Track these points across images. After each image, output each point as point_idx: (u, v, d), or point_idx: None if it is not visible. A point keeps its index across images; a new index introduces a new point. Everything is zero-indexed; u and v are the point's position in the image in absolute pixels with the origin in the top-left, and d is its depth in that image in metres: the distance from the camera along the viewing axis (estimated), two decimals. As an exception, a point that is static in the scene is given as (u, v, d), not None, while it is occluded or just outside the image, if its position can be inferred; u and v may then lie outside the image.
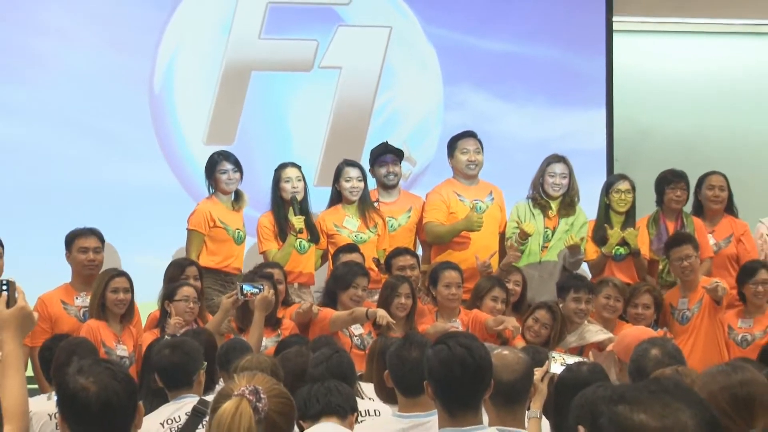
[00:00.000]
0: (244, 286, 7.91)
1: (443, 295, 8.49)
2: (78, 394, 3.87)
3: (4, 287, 3.99)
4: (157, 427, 5.77)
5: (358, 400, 5.93)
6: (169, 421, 5.76)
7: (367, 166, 9.43)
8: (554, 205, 9.37)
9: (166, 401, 6.01)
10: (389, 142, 9.55)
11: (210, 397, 4.89)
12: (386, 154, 9.43)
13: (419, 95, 10.78)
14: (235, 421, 3.41)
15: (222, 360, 6.35)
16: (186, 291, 8.07)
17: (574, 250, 9.19)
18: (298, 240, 8.98)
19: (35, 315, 3.99)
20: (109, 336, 7.96)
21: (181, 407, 5.74)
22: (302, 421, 5.20)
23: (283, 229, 9.02)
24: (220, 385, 6.08)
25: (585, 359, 6.32)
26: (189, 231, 9.06)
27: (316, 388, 5.26)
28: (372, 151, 9.59)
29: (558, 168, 9.39)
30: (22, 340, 3.90)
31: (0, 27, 10.02)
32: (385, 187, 9.44)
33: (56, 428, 5.75)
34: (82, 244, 8.51)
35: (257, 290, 7.83)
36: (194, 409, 5.45)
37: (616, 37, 10.93)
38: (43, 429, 6.32)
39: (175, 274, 8.41)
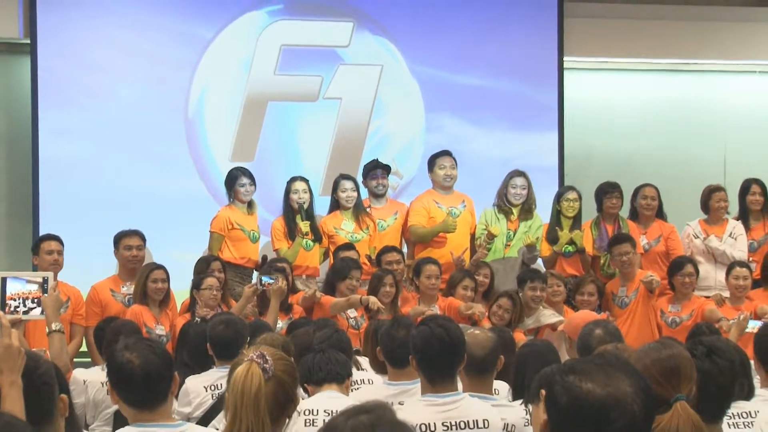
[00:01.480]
0: (263, 278, 7.95)
1: (425, 285, 8.51)
2: (124, 366, 3.89)
3: None
4: (201, 389, 5.79)
5: (356, 371, 5.97)
6: (212, 387, 5.76)
7: (360, 179, 9.43)
8: (515, 211, 9.34)
9: (194, 373, 6.03)
10: (379, 159, 9.52)
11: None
12: (376, 169, 9.40)
13: (405, 121, 10.75)
14: (248, 381, 3.40)
15: (252, 333, 6.35)
16: (210, 281, 8.06)
17: (531, 248, 9.21)
18: (305, 240, 8.97)
19: (22, 348, 3.50)
20: (150, 318, 7.97)
21: (224, 376, 5.65)
22: (307, 385, 5.22)
23: (292, 231, 9.00)
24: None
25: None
26: (211, 233, 9.03)
27: (319, 357, 5.27)
28: (364, 166, 9.58)
29: (519, 181, 9.38)
30: (15, 377, 3.43)
31: (60, 64, 9.96)
32: (375, 195, 9.40)
33: (107, 394, 5.77)
34: (128, 242, 8.51)
35: (273, 281, 7.89)
36: (231, 377, 5.47)
37: (566, 74, 10.93)
38: (96, 395, 6.31)
39: (202, 267, 8.38)
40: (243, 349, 5.95)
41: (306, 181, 9.21)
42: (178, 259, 8.87)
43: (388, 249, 8.93)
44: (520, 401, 5.18)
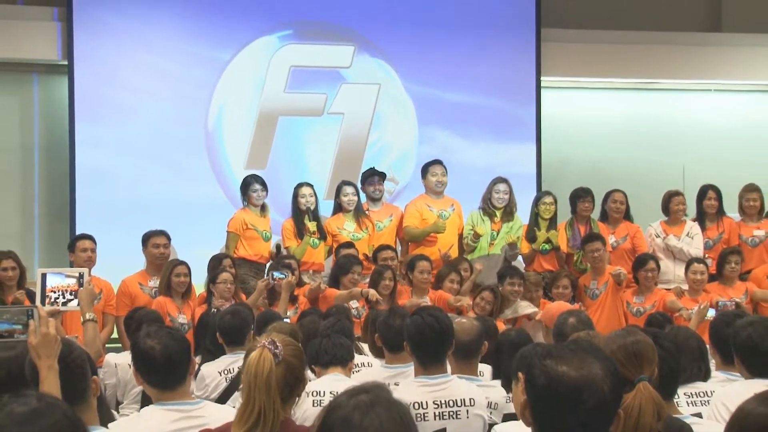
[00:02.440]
0: (274, 273, 7.96)
1: (417, 279, 8.50)
2: (147, 351, 3.90)
3: (31, 316, 3.64)
4: (216, 374, 5.78)
5: (357, 355, 5.97)
6: (226, 371, 5.75)
7: (360, 185, 9.43)
8: (498, 213, 9.32)
9: (216, 358, 6.03)
10: (376, 168, 9.52)
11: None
12: (373, 176, 9.40)
13: (400, 133, 10.75)
14: (260, 365, 3.38)
15: (259, 326, 6.37)
16: (224, 276, 8.05)
17: (512, 246, 9.21)
18: (312, 239, 8.98)
19: (58, 336, 3.55)
20: (173, 308, 7.96)
21: (235, 361, 5.71)
22: (315, 366, 5.22)
23: (300, 231, 8.98)
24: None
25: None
26: (228, 232, 9.02)
27: (325, 342, 5.27)
28: (362, 173, 9.57)
29: (501, 187, 9.37)
30: (52, 362, 3.46)
31: (94, 83, 9.96)
32: (373, 200, 9.38)
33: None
34: (156, 241, 8.50)
35: (284, 276, 7.88)
36: (246, 361, 5.45)
37: (543, 92, 10.95)
38: (125, 376, 6.30)
39: (215, 264, 8.39)
40: (249, 335, 5.99)
41: (311, 186, 9.21)
42: (199, 256, 8.84)
43: (383, 247, 8.93)
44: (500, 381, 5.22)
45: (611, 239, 9.38)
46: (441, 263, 8.91)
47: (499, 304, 8.37)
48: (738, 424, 2.11)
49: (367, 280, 8.46)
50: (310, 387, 3.63)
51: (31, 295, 8.23)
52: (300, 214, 9.06)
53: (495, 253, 9.30)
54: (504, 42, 10.82)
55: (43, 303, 5.23)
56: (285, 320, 6.53)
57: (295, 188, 9.19)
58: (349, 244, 8.90)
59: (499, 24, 10.81)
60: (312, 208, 9.09)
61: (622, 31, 11.11)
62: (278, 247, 9.07)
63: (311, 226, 8.96)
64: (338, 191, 9.32)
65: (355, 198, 9.24)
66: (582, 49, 11.00)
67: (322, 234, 9.09)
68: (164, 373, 3.92)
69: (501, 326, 7.78)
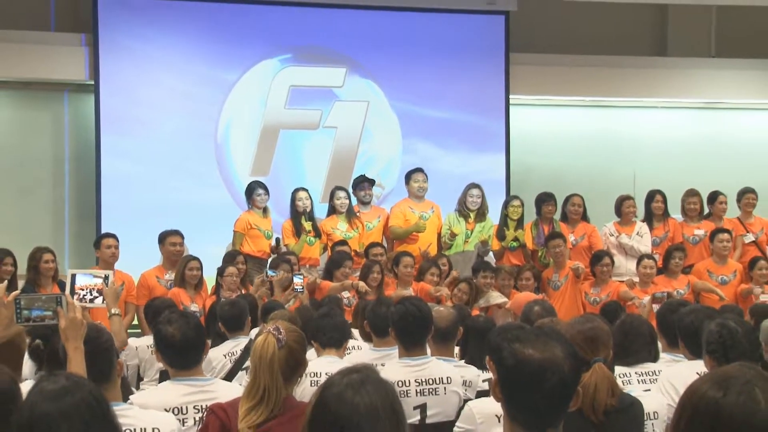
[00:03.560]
0: (268, 272, 7.85)
1: (402, 272, 8.49)
2: (167, 335, 3.91)
3: (60, 303, 3.58)
4: (221, 357, 5.76)
5: (355, 339, 5.98)
6: (229, 354, 5.73)
7: (351, 190, 9.43)
8: (472, 215, 9.32)
9: (226, 340, 6.02)
10: (366, 175, 9.53)
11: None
12: (363, 182, 9.39)
13: (386, 145, 10.73)
14: (264, 349, 3.39)
15: (263, 314, 6.36)
16: (230, 270, 8.04)
17: (484, 243, 9.21)
18: (308, 237, 8.98)
19: (84, 321, 3.56)
20: (186, 298, 7.94)
21: (237, 345, 5.71)
22: (315, 342, 5.24)
23: (298, 230, 8.98)
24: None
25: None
26: (234, 232, 9.00)
27: (326, 321, 5.31)
28: (354, 180, 9.57)
29: (475, 192, 9.37)
30: (79, 344, 3.45)
31: (117, 100, 9.94)
32: (362, 203, 9.38)
33: (151, 354, 5.78)
34: (171, 240, 8.49)
35: (275, 274, 7.72)
36: (246, 346, 5.44)
37: (511, 109, 10.95)
38: (144, 355, 6.28)
39: (228, 259, 8.38)
40: (247, 322, 5.99)
41: (307, 190, 9.21)
42: (209, 253, 8.85)
43: (373, 244, 8.93)
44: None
45: (571, 238, 9.40)
46: (421, 259, 8.93)
47: (474, 294, 8.38)
48: (691, 406, 2.09)
49: (358, 273, 8.48)
50: (308, 369, 3.62)
51: (62, 286, 8.26)
52: (297, 215, 9.06)
53: (469, 249, 9.31)
54: (477, 65, 10.82)
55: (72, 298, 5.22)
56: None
57: (293, 192, 9.17)
58: (343, 242, 8.88)
59: (473, 49, 10.81)
60: (308, 210, 9.08)
61: (581, 56, 11.12)
62: (278, 240, 9.05)
63: (307, 225, 8.97)
64: (332, 195, 9.31)
65: (347, 201, 9.22)
66: (545, 71, 11.01)
67: (317, 233, 9.08)
68: (181, 354, 3.93)
69: (476, 313, 7.80)
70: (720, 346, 4.06)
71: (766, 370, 3.94)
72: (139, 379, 6.32)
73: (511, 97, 10.90)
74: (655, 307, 7.65)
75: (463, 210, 9.39)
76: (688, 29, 11.72)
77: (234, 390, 3.97)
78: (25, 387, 2.71)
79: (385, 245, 9.27)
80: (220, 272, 8.10)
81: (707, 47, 11.79)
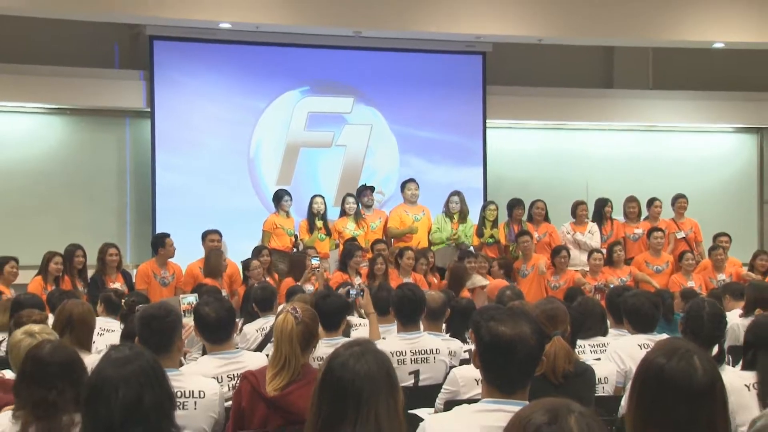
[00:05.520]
0: (313, 259, 7.96)
1: (405, 263, 8.40)
2: (203, 315, 3.91)
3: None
4: (254, 332, 5.76)
5: (357, 318, 5.94)
6: (261, 329, 5.73)
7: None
8: (456, 217, 9.36)
9: (258, 318, 5.99)
10: (367, 184, 9.59)
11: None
12: (366, 190, 9.46)
13: (386, 160, 10.64)
14: (285, 325, 3.40)
15: (288, 296, 6.33)
16: (254, 264, 8.07)
17: (462, 245, 9.18)
18: (319, 234, 9.03)
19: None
20: (217, 285, 7.91)
21: (267, 322, 5.69)
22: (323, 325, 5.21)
23: (312, 228, 9.06)
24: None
25: None
26: (263, 231, 9.05)
27: (333, 309, 5.22)
28: (358, 188, 9.59)
29: (455, 198, 9.37)
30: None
31: (170, 124, 9.88)
32: (366, 207, 9.42)
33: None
34: (211, 237, 8.47)
35: (318, 261, 7.92)
36: (275, 322, 5.44)
37: (488, 131, 10.91)
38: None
39: (257, 252, 8.42)
40: (276, 303, 5.98)
41: (323, 197, 9.24)
42: (243, 247, 8.87)
43: (377, 241, 8.96)
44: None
45: (536, 235, 9.40)
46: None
47: (462, 277, 8.29)
48: (644, 372, 2.11)
49: (366, 264, 8.48)
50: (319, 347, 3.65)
51: (126, 275, 8.28)
52: (312, 216, 9.10)
53: (445, 244, 9.29)
54: (460, 95, 10.78)
55: (183, 315, 5.22)
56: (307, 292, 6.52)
57: (311, 198, 9.21)
58: (352, 239, 8.90)
59: (456, 83, 10.76)
60: (321, 212, 9.12)
61: (544, 88, 11.11)
62: (295, 236, 9.07)
63: (319, 224, 9.03)
64: (343, 201, 9.33)
65: (355, 206, 9.25)
66: (515, 100, 11.00)
67: (328, 231, 9.12)
68: (216, 331, 3.92)
69: (466, 293, 7.80)
70: (690, 326, 3.94)
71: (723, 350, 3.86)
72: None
73: (487, 121, 10.85)
74: (597, 295, 7.85)
75: (447, 213, 9.38)
76: (630, 66, 11.70)
77: (259, 359, 3.97)
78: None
79: (386, 241, 9.27)
80: (245, 267, 8.09)
81: (646, 81, 11.78)
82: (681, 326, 3.99)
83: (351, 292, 6.15)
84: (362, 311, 6.20)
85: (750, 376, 3.40)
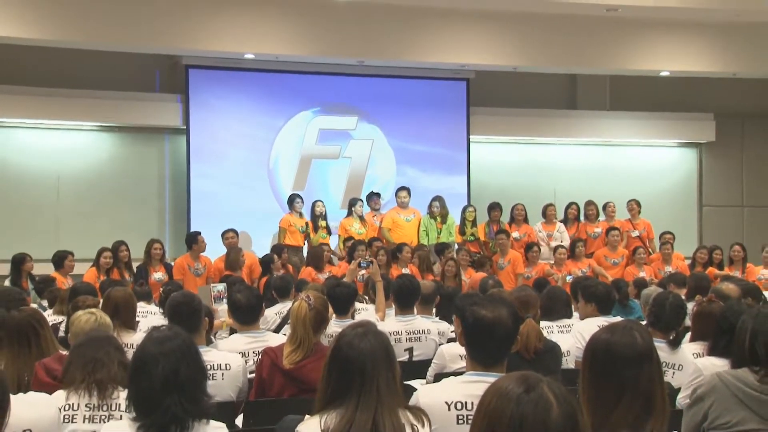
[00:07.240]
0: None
1: (402, 257, 8.37)
2: (236, 300, 3.91)
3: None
4: (273, 315, 5.73)
5: (361, 303, 5.92)
6: (279, 313, 5.69)
7: (365, 200, 9.50)
8: (439, 218, 9.35)
9: (276, 303, 5.97)
10: (373, 190, 9.64)
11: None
12: (374, 196, 9.54)
13: (385, 170, 10.60)
14: (299, 310, 3.41)
15: (299, 287, 6.31)
16: (277, 264, 8.01)
17: (446, 245, 9.13)
18: (322, 233, 9.12)
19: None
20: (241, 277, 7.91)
21: (284, 306, 5.64)
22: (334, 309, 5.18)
23: (316, 227, 9.13)
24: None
25: None
26: (279, 228, 9.08)
27: (343, 296, 5.14)
28: (367, 194, 9.62)
29: (435, 202, 9.38)
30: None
31: (203, 139, 9.84)
32: (374, 209, 9.48)
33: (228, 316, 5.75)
34: (227, 234, 8.48)
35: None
36: (291, 308, 5.42)
37: (472, 145, 10.90)
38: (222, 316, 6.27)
39: (276, 249, 8.41)
40: (292, 290, 5.96)
41: (322, 201, 9.34)
42: (262, 243, 8.90)
43: (374, 239, 8.91)
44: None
45: (515, 234, 9.42)
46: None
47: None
48: (591, 348, 2.14)
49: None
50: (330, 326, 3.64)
51: (168, 267, 8.30)
52: (315, 218, 9.18)
53: (441, 241, 9.27)
54: (448, 115, 10.76)
55: (213, 302, 5.49)
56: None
57: (312, 203, 9.29)
58: (357, 236, 8.93)
59: (444, 104, 10.73)
60: (323, 213, 9.18)
61: (519, 109, 11.09)
62: (307, 227, 9.12)
63: (323, 224, 9.11)
64: (349, 204, 9.37)
65: (361, 208, 9.31)
66: (494, 119, 10.97)
67: (328, 230, 9.21)
68: (245, 314, 3.92)
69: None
70: (654, 312, 3.86)
71: (683, 332, 3.78)
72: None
73: (470, 136, 10.84)
74: (568, 280, 7.81)
75: (431, 214, 9.40)
76: (590, 90, 11.69)
77: (280, 339, 3.97)
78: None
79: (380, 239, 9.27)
80: (269, 260, 8.03)
81: (604, 103, 11.77)
82: (645, 312, 3.98)
83: (362, 263, 6.06)
84: (366, 297, 6.20)
85: (723, 364, 3.00)
